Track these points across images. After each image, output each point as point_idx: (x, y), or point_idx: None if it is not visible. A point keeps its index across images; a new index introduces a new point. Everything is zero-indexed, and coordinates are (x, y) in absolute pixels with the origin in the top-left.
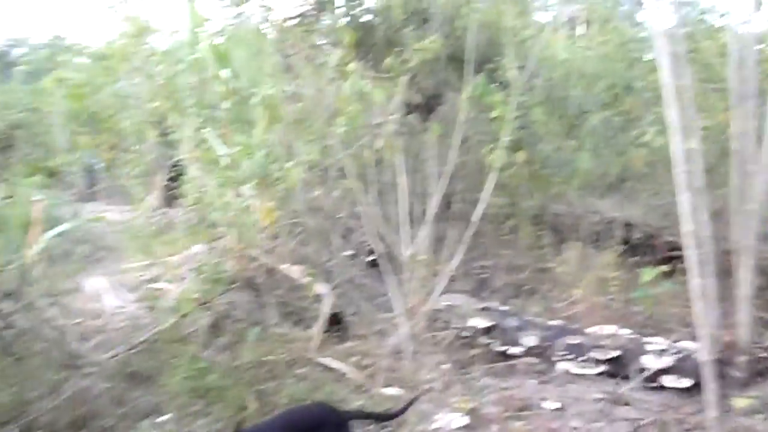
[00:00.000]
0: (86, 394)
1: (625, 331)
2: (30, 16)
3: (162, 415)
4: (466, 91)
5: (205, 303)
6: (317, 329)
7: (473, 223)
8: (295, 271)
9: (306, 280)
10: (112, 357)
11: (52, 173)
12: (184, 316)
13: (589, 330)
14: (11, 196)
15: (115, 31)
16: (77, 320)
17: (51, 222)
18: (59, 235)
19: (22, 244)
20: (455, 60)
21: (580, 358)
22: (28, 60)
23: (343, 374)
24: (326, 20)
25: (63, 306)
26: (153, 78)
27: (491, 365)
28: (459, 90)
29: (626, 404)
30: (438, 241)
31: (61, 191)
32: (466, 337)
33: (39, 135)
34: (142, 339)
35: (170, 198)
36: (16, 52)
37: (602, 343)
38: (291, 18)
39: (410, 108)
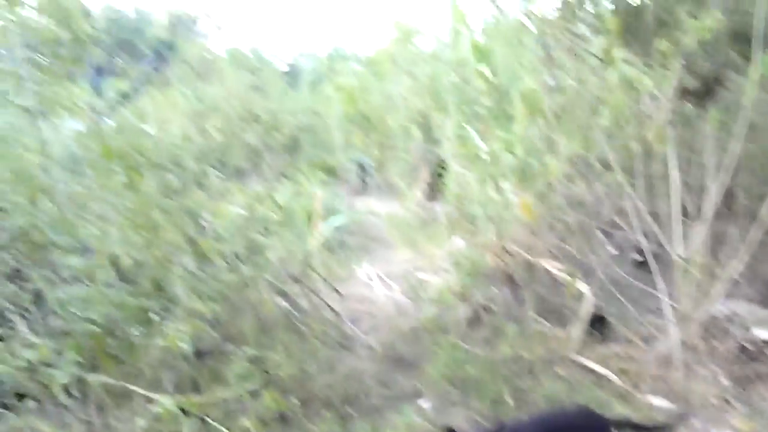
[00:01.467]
0: (357, 374)
1: None
2: (316, 31)
3: (422, 399)
4: (753, 72)
5: (464, 295)
6: (577, 328)
7: (762, 221)
8: (554, 268)
9: (566, 277)
10: (380, 341)
11: (330, 170)
12: (445, 307)
13: None
14: (298, 192)
15: (385, 37)
16: (350, 305)
17: (329, 214)
18: (336, 227)
19: (306, 234)
20: (739, 37)
21: None
22: (312, 69)
23: (604, 378)
24: (589, 7)
25: (339, 291)
26: (417, 79)
27: None
28: (744, 71)
29: None
30: (716, 241)
31: (338, 187)
32: (750, 350)
33: (320, 136)
34: (406, 326)
35: (434, 193)
36: (303, 64)
37: None
38: (552, 9)
39: (684, 94)
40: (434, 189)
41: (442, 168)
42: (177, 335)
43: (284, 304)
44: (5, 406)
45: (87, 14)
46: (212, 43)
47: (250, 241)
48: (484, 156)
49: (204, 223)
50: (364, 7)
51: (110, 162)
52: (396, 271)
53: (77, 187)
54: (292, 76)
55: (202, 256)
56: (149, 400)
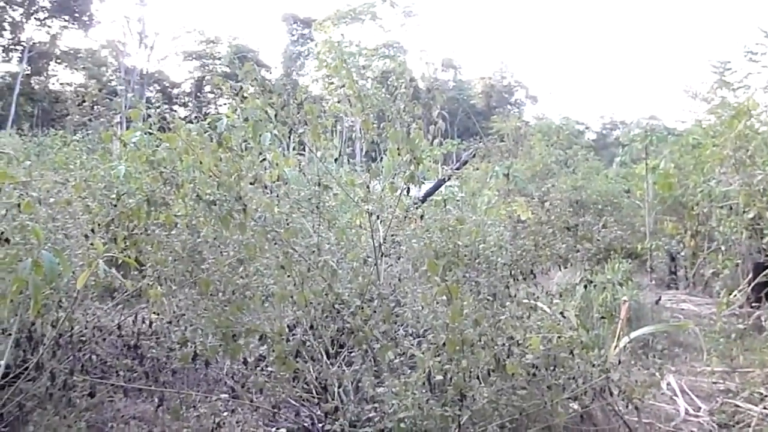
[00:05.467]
0: None
1: None
2: (627, 98)
3: None
4: None
5: None
6: None
7: None
8: None
9: None
10: None
11: (635, 255)
12: None
13: None
14: (592, 282)
15: (708, 113)
16: (646, 420)
17: (635, 318)
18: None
19: (608, 341)
20: None
21: None
22: (622, 142)
23: None
24: None
25: (637, 403)
26: (747, 167)
27: None
28: None
29: None
30: None
31: (642, 275)
32: None
33: (626, 216)
34: None
35: (759, 298)
36: (613, 133)
37: None
38: None
39: None
40: (759, 294)
41: None
42: None
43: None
44: None
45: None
46: (526, 113)
47: (551, 357)
48: None
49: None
50: (686, 75)
51: (434, 272)
52: (705, 387)
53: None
54: (600, 144)
55: (503, 369)
56: None
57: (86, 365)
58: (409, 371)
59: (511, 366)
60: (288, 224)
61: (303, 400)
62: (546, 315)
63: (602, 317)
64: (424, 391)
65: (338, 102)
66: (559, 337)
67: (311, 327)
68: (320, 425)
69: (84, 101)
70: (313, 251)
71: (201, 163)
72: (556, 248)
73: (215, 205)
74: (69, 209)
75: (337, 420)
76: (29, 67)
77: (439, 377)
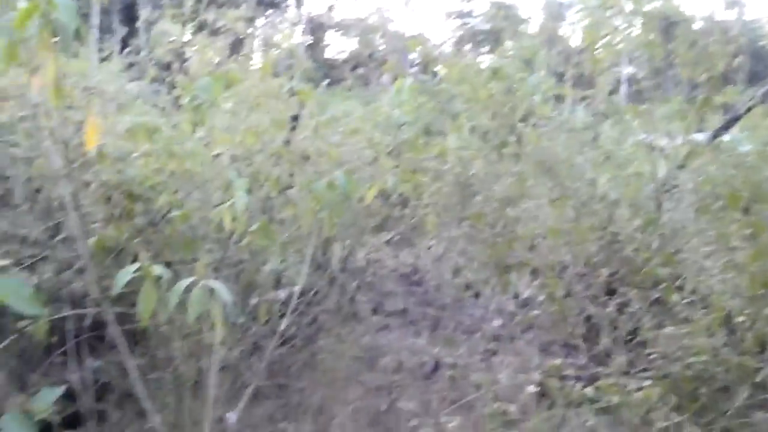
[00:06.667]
0: None
1: None
2: None
3: None
4: None
5: None
6: None
7: None
8: None
9: None
10: None
11: None
12: None
13: None
14: None
15: None
16: None
17: None
18: None
19: None
20: None
21: None
22: None
23: None
24: None
25: None
26: None
27: None
28: None
29: None
30: None
31: None
32: None
33: None
34: None
35: None
36: None
37: None
38: None
39: None
40: None
41: None
42: None
43: None
44: None
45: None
46: None
47: None
48: None
49: None
50: None
51: (734, 207)
52: None
53: (684, 222)
54: None
55: None
56: None
57: (366, 291)
58: (700, 314)
59: None
60: (563, 157)
61: (570, 345)
62: None
63: None
64: (718, 336)
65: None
66: None
67: (585, 264)
68: (588, 372)
69: (357, 66)
70: (590, 184)
71: (476, 95)
72: None
73: (489, 136)
74: (355, 138)
75: (608, 365)
76: (311, 38)
77: (740, 319)
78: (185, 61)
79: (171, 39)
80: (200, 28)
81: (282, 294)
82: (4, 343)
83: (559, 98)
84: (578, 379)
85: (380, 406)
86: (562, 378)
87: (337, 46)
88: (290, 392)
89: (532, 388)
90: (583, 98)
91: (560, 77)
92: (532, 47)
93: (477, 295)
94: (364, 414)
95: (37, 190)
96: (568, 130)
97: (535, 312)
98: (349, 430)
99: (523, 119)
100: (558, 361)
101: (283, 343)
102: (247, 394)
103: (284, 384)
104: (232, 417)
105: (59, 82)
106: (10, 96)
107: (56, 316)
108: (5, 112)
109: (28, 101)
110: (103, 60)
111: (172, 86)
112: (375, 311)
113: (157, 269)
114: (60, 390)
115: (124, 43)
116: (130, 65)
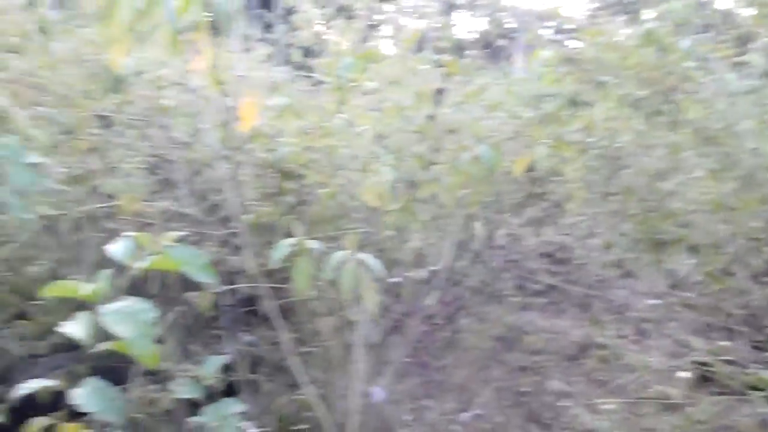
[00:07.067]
0: None
1: None
2: None
3: None
4: None
5: None
6: None
7: None
8: None
9: None
10: None
11: None
12: None
13: None
14: None
15: None
16: None
17: None
18: None
19: None
20: None
21: None
22: None
23: None
24: None
25: None
26: None
27: None
28: None
29: None
30: None
31: None
32: None
33: None
34: None
35: None
36: None
37: None
38: None
39: None
40: None
41: None
42: None
43: None
44: None
45: None
46: None
47: None
48: None
49: None
50: None
51: None
52: None
53: None
54: None
55: None
56: None
57: (509, 269)
58: None
59: None
60: (724, 124)
61: (729, 328)
62: None
63: None
64: None
65: None
66: None
67: (748, 240)
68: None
69: (488, 45)
70: (755, 154)
71: (624, 62)
72: None
73: (641, 104)
74: (496, 112)
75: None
76: (442, 19)
77: None
78: (325, 44)
79: (311, 22)
80: (338, 11)
81: (424, 272)
82: (173, 315)
83: (713, 62)
84: (741, 365)
85: (524, 387)
86: (727, 363)
87: (467, 26)
88: (432, 370)
89: (690, 373)
90: (741, 63)
91: (715, 40)
92: (686, 7)
93: (626, 275)
94: (508, 393)
95: (196, 172)
96: (728, 95)
97: (690, 293)
98: (492, 409)
99: (677, 86)
100: (721, 344)
101: (425, 321)
102: (390, 371)
103: (426, 362)
104: (377, 391)
105: (216, 69)
106: (171, 83)
107: (218, 290)
108: (167, 99)
109: (188, 88)
110: (246, 49)
111: (314, 69)
112: (518, 290)
113: (312, 243)
114: (224, 359)
115: (265, 29)
116: (272, 51)
